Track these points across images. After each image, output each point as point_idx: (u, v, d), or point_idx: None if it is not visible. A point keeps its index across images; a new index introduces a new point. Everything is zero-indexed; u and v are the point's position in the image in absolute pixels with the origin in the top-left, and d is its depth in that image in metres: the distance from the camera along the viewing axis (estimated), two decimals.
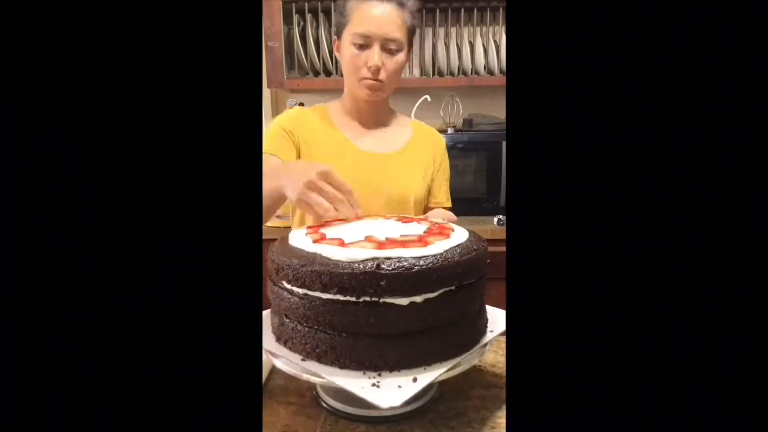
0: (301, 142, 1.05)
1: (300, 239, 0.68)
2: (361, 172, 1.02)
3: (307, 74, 2.12)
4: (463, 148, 2.00)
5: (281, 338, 0.67)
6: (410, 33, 1.00)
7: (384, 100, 1.08)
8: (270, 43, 2.01)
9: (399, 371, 0.60)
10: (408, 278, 0.58)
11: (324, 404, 0.71)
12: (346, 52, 0.98)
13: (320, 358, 0.62)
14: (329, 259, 0.60)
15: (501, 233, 1.80)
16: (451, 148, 2.00)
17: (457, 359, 0.63)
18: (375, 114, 1.09)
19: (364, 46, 0.95)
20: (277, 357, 0.65)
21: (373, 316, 0.59)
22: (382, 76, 0.96)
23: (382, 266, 0.58)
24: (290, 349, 0.66)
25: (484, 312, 0.72)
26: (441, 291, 0.61)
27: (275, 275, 0.66)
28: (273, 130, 1.05)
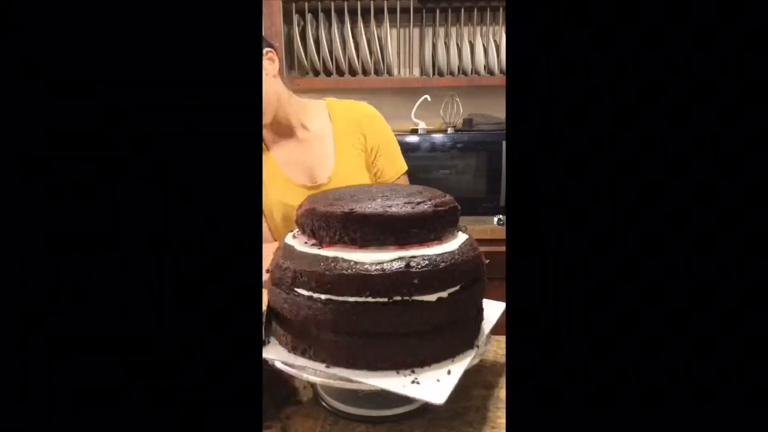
0: None
1: (301, 244, 0.67)
2: (289, 199, 1.08)
3: (307, 74, 2.13)
4: (463, 148, 2.00)
5: (298, 348, 0.66)
6: None
7: (282, 111, 1.10)
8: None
9: (430, 366, 0.63)
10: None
11: (324, 404, 0.71)
12: None
13: (349, 363, 0.62)
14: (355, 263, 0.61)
15: (501, 233, 1.80)
16: (451, 148, 2.02)
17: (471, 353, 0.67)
18: (282, 123, 1.13)
19: None
20: (296, 368, 0.64)
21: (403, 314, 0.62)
22: None
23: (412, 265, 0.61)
24: (310, 357, 0.65)
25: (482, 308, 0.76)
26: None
27: (290, 283, 0.65)
28: None
